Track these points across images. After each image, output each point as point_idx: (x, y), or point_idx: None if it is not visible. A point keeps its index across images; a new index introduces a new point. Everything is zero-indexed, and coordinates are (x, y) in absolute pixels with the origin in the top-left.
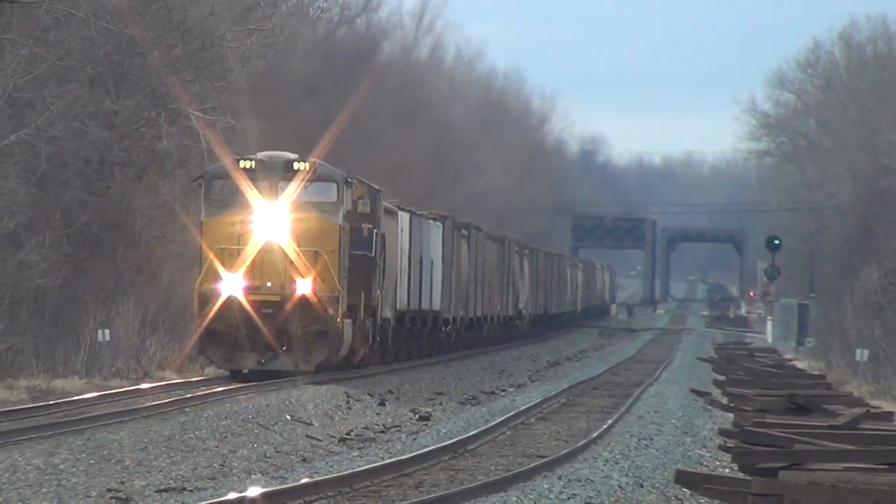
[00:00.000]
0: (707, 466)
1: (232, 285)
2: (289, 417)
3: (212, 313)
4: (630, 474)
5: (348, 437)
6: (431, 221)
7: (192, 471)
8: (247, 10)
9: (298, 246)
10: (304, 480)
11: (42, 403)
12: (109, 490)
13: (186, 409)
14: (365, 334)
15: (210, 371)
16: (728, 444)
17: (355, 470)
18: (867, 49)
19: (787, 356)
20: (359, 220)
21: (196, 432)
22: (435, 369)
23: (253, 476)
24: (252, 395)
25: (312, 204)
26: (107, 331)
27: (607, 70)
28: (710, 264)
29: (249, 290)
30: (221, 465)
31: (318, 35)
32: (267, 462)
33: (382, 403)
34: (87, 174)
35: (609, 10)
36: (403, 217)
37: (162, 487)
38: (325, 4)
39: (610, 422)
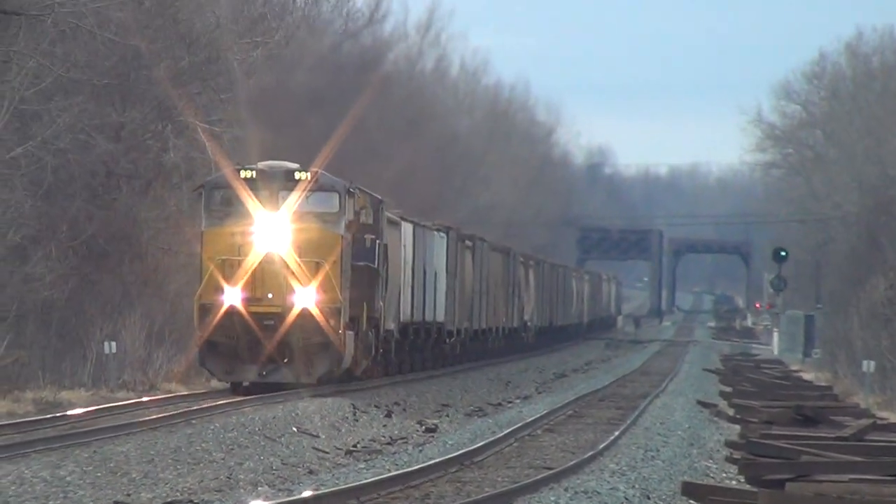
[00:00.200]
0: (714, 478)
1: (232, 297)
2: (295, 429)
3: (212, 325)
4: (637, 486)
5: (355, 449)
6: (435, 232)
7: (198, 483)
8: (253, 22)
9: (300, 257)
10: (309, 493)
11: (47, 416)
12: (116, 502)
13: (193, 422)
14: (367, 346)
15: (216, 383)
16: (735, 456)
17: (362, 482)
18: (874, 60)
19: (794, 367)
20: (361, 230)
21: (203, 444)
22: (441, 381)
23: (259, 488)
24: (258, 407)
25: (314, 214)
26: (113, 343)
27: (613, 81)
28: (717, 276)
29: (250, 302)
30: (228, 478)
31: (324, 47)
32: (273, 474)
33: (389, 415)
34: (93, 186)
35: (614, 22)
36: (407, 228)
37: (169, 500)
38: (330, 17)
39: (616, 433)
